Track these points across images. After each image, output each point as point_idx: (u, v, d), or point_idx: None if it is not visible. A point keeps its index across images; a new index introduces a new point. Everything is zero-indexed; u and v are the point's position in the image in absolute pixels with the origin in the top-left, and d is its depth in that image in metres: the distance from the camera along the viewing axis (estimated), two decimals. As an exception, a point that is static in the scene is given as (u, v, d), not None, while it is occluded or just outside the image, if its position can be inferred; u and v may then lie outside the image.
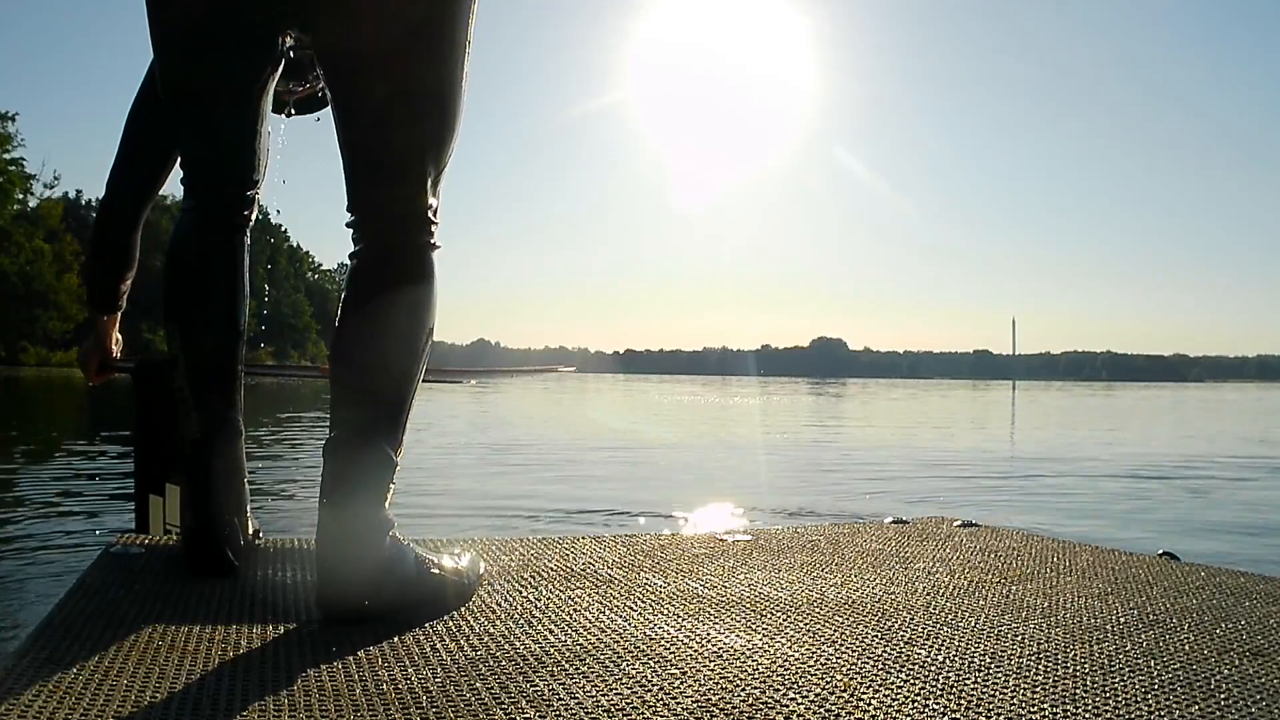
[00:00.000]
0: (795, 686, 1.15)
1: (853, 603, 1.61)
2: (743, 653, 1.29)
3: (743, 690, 1.14)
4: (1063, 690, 1.16)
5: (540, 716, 1.04)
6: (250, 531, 1.86)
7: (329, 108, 1.66)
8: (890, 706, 1.09)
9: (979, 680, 1.19)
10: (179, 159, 1.85)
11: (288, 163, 1.98)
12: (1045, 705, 1.10)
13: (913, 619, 1.50)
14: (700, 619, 1.48)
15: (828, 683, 1.17)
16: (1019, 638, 1.41)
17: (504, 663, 1.23)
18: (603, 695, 1.11)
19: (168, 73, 1.75)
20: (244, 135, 1.80)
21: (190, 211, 1.80)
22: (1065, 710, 1.09)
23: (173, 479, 2.17)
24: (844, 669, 1.23)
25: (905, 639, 1.38)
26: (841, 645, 1.34)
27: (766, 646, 1.33)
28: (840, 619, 1.49)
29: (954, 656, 1.30)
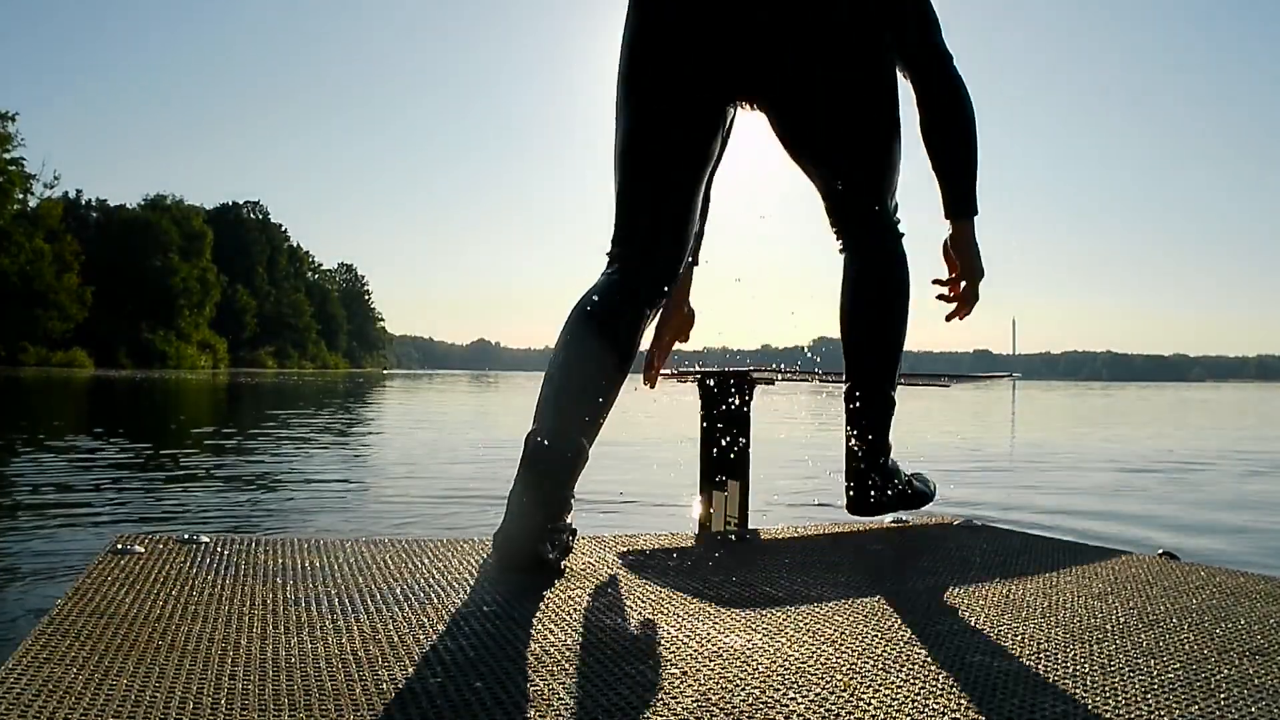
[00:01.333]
0: (795, 686, 1.15)
1: (853, 602, 1.61)
2: (742, 652, 1.29)
3: (743, 690, 1.14)
4: (1062, 690, 1.16)
5: (540, 716, 1.05)
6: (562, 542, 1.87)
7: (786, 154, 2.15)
8: (890, 706, 1.09)
9: (979, 680, 1.19)
10: (616, 222, 1.94)
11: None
12: (1045, 705, 1.11)
13: (913, 618, 1.50)
14: (700, 618, 1.48)
15: (828, 682, 1.17)
16: (1019, 637, 1.41)
17: (503, 662, 1.23)
18: (602, 695, 1.11)
19: (625, 137, 1.89)
20: (687, 208, 1.90)
21: (611, 275, 1.91)
22: (1065, 710, 1.09)
23: (732, 478, 2.53)
24: (844, 669, 1.23)
25: (905, 639, 1.38)
26: (841, 645, 1.34)
27: (766, 646, 1.33)
28: (840, 618, 1.49)
29: (953, 656, 1.30)
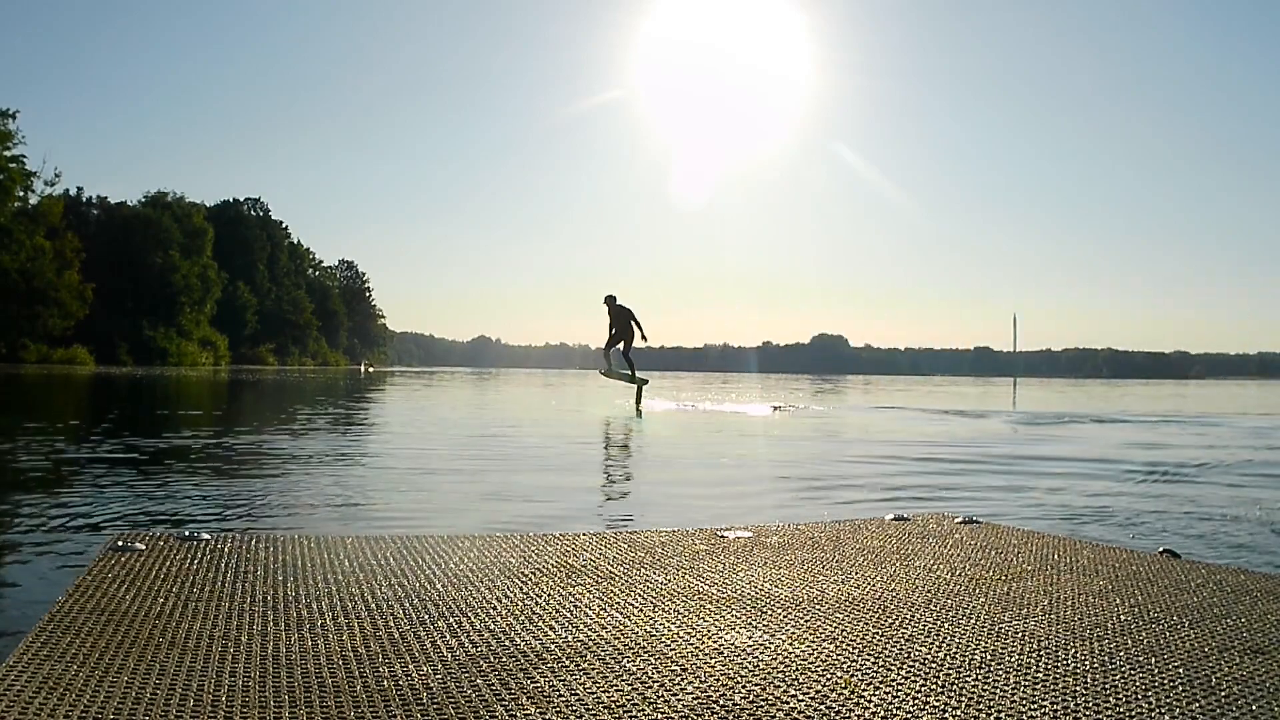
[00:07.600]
0: (797, 683, 1.15)
1: (854, 600, 1.61)
2: (744, 649, 1.29)
3: (744, 687, 1.14)
4: (1063, 688, 1.16)
5: (541, 713, 1.05)
6: None
7: None
8: (891, 704, 1.09)
9: (979, 677, 1.19)
10: None
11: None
12: (1045, 702, 1.11)
13: (914, 616, 1.50)
14: (701, 615, 1.48)
15: (829, 679, 1.17)
16: (1020, 635, 1.41)
17: (504, 659, 1.23)
18: (604, 692, 1.11)
19: None
20: None
21: None
22: (1065, 707, 1.09)
23: None
24: (845, 666, 1.23)
25: (906, 636, 1.38)
26: (843, 642, 1.34)
27: (768, 643, 1.33)
28: (841, 616, 1.49)
29: (955, 654, 1.30)
